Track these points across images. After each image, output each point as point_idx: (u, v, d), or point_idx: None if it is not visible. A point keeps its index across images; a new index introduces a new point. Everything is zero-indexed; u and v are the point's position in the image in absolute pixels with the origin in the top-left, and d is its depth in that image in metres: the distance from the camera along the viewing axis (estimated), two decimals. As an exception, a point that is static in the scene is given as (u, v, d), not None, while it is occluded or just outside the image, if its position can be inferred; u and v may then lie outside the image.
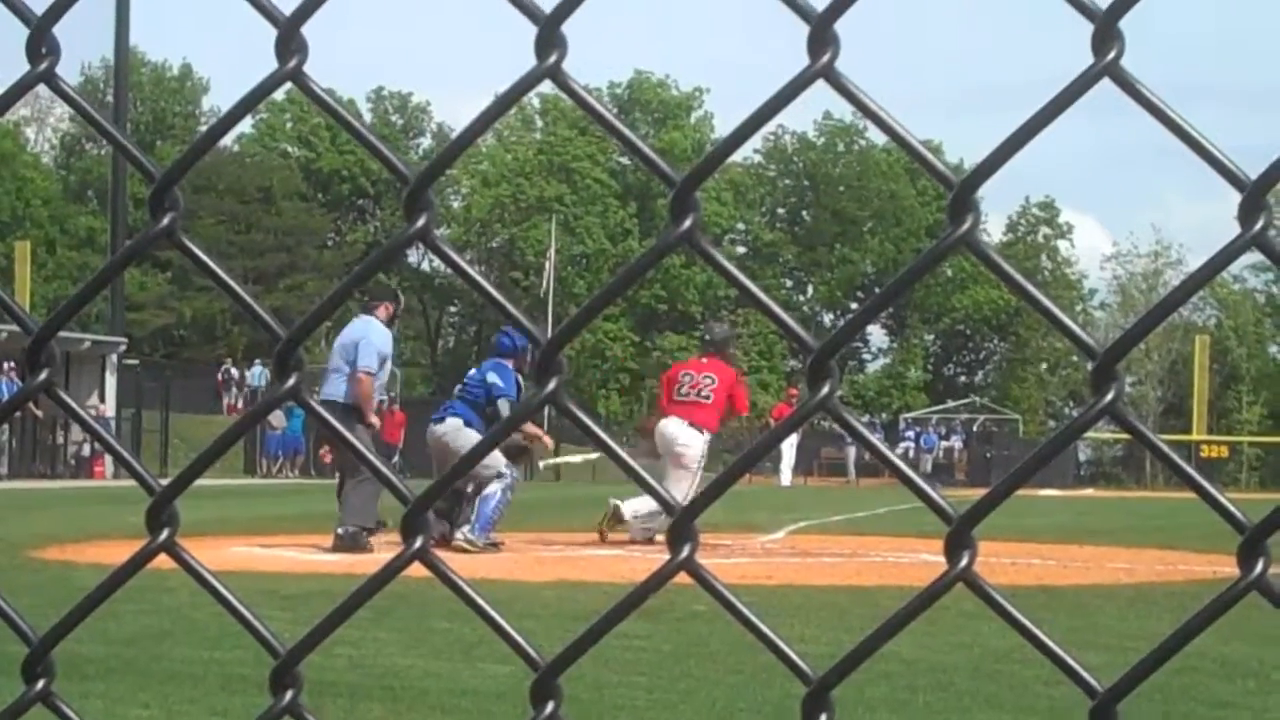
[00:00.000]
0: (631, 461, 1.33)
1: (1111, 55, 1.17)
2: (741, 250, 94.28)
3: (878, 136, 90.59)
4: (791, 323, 1.28)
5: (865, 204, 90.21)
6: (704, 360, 18.55)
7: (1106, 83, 1.18)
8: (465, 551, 15.76)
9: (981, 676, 7.60)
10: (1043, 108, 1.19)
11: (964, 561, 1.24)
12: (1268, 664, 8.06)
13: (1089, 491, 61.18)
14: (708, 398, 18.02)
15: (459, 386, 17.41)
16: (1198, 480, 1.19)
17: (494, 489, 16.51)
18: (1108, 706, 1.20)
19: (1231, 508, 1.18)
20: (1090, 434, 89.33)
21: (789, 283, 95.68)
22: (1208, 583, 14.07)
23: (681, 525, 1.28)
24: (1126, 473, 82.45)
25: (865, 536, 18.35)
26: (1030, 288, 1.23)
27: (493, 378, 16.84)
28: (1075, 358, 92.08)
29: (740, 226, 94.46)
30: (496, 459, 16.34)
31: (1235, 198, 1.16)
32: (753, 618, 1.28)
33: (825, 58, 1.23)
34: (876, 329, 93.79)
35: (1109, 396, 1.19)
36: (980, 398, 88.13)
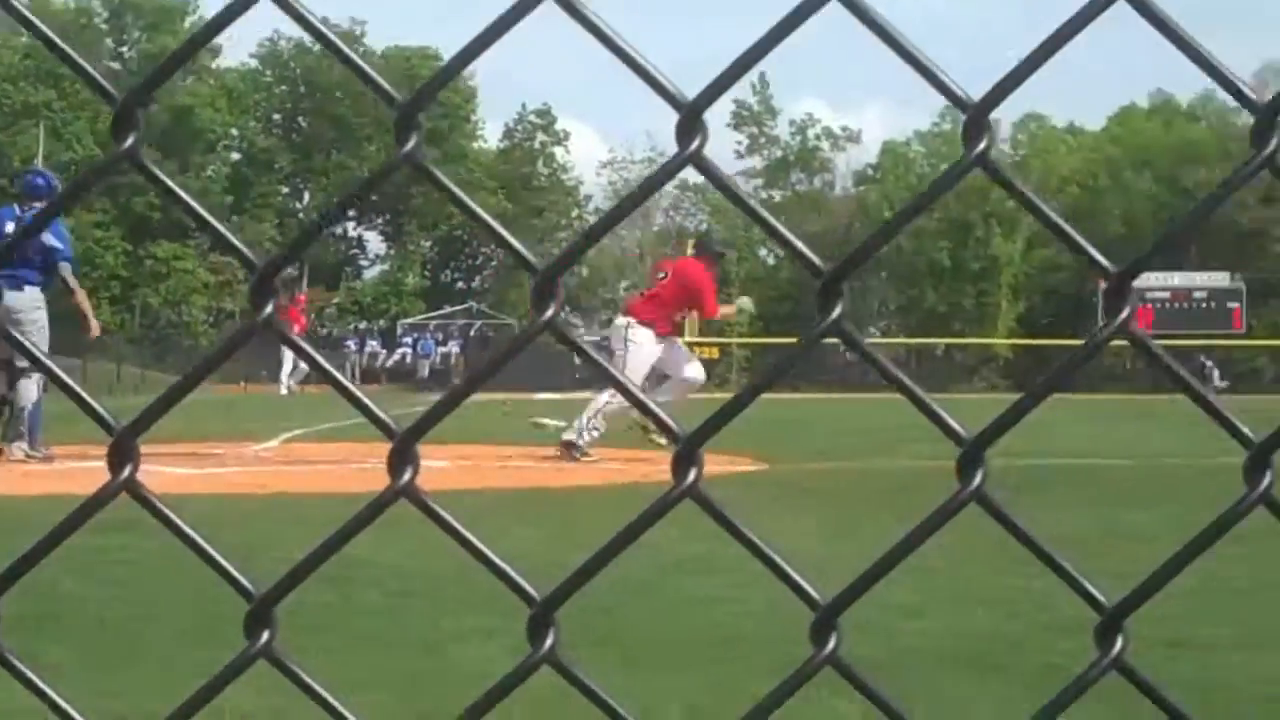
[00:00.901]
0: (53, 376, 1.22)
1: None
2: (236, 157, 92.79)
3: (375, 43, 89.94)
4: (231, 238, 1.20)
5: (363, 111, 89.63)
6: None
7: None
8: (23, 463, 15.54)
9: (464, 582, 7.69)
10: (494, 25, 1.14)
11: (406, 477, 1.18)
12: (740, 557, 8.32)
13: (586, 394, 62.37)
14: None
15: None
16: (627, 385, 1.16)
17: (34, 393, 16.17)
18: (542, 615, 1.18)
19: (660, 410, 1.16)
20: (587, 338, 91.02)
21: (285, 189, 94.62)
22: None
23: (122, 442, 1.19)
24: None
25: (357, 443, 18.26)
26: (469, 211, 1.17)
27: (50, 240, 16.03)
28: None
29: (234, 133, 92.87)
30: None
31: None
32: (192, 533, 1.20)
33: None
34: (374, 235, 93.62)
35: (549, 313, 1.16)
36: (478, 304, 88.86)
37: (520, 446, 18.53)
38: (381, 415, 1.16)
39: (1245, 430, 1.15)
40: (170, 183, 1.21)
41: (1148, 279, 75.62)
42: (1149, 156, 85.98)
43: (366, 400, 1.18)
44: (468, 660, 5.90)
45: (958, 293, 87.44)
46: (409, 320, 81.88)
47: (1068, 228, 1.16)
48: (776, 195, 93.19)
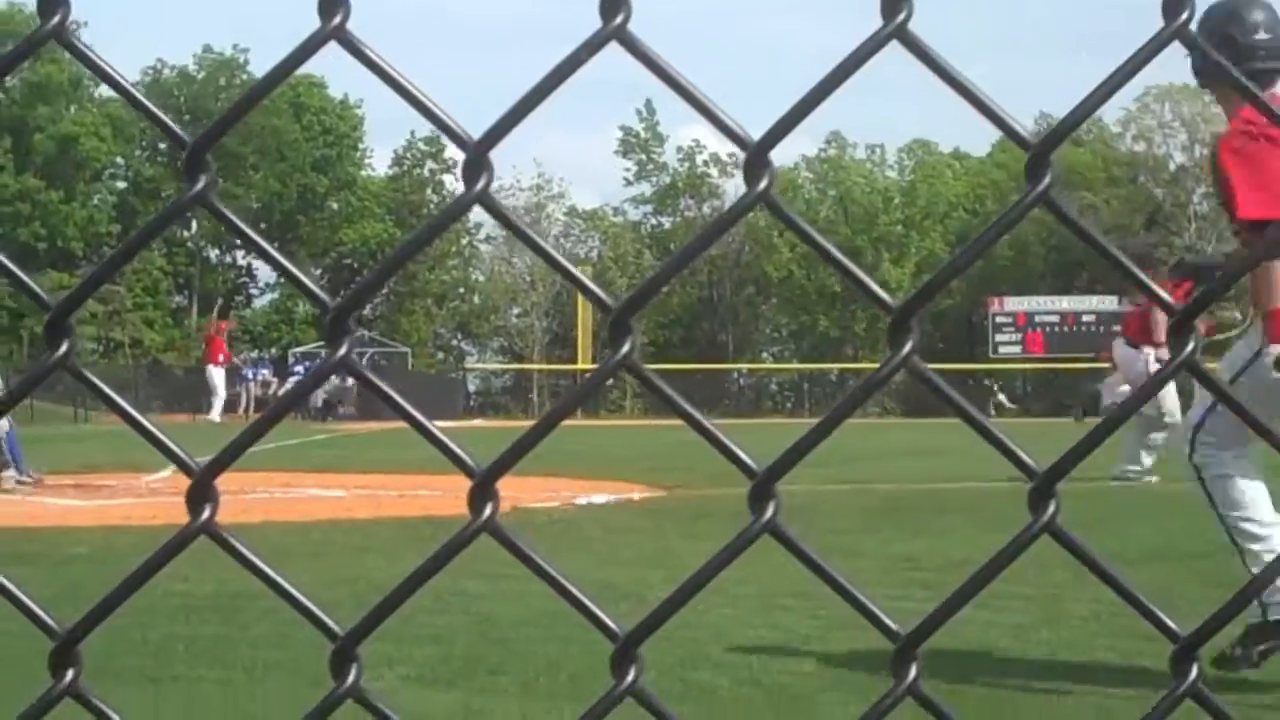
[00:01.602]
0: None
1: None
2: (123, 185, 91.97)
3: (259, 69, 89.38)
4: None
5: (248, 139, 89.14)
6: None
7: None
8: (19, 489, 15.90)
9: (364, 606, 7.62)
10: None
11: (205, 514, 1.19)
12: (644, 584, 8.35)
13: (478, 422, 62.26)
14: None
15: None
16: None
17: (3, 423, 16.69)
18: (344, 650, 1.18)
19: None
20: (478, 365, 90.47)
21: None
22: (588, 507, 14.51)
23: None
24: (514, 402, 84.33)
25: (253, 472, 18.13)
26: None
27: None
28: (462, 290, 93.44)
29: (120, 161, 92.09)
30: None
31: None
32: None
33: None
34: (263, 263, 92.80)
35: (342, 349, 1.17)
36: (370, 331, 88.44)
37: (418, 475, 18.41)
38: (181, 454, 1.17)
39: (1029, 460, 1.17)
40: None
41: (1038, 303, 76.45)
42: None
43: (168, 441, 1.18)
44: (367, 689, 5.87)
45: (849, 317, 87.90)
46: (301, 349, 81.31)
47: (848, 263, 1.18)
48: (666, 222, 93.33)
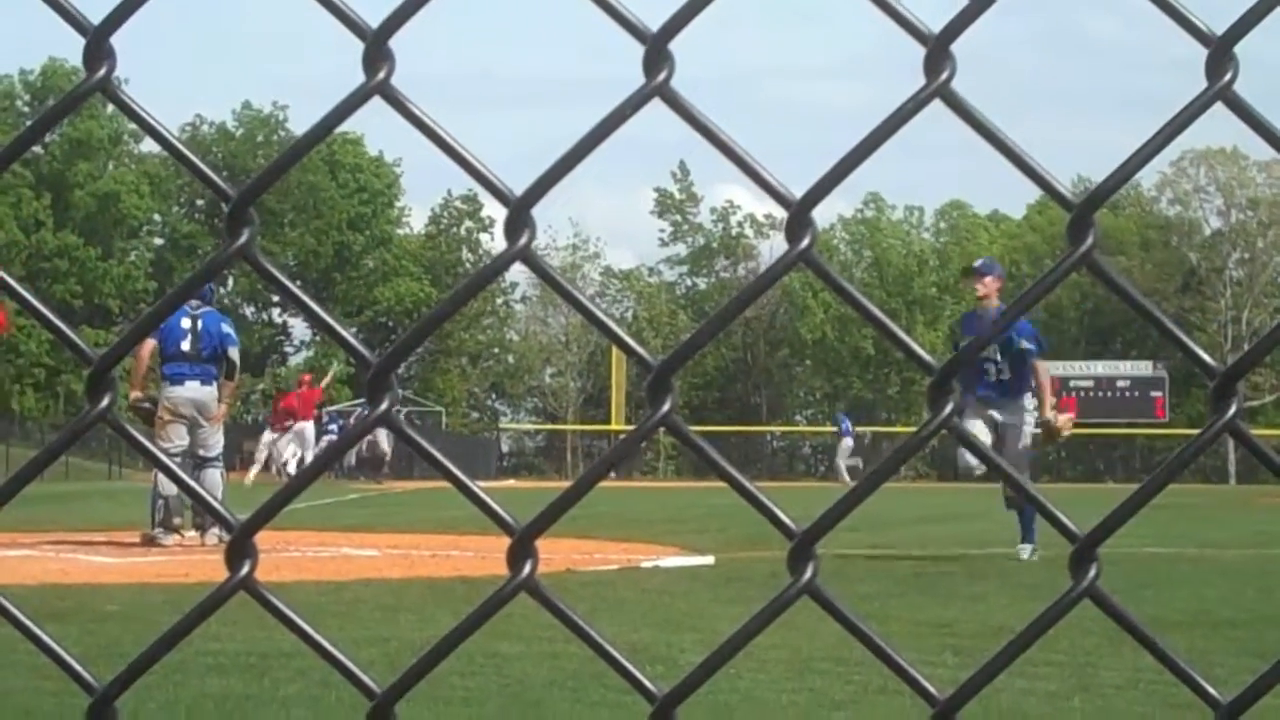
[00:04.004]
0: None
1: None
2: (160, 242, 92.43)
3: (297, 127, 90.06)
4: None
5: (285, 196, 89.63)
6: None
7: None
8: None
9: (396, 665, 7.59)
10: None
11: (244, 570, 1.19)
12: (675, 648, 8.31)
13: (510, 482, 62.31)
14: None
15: (187, 342, 17.40)
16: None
17: (219, 480, 17.45)
18: (381, 710, 1.17)
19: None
20: (512, 425, 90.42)
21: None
22: (621, 569, 14.48)
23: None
24: (548, 462, 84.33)
25: (286, 531, 18.12)
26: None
27: (226, 328, 17.53)
28: (497, 350, 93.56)
29: (157, 218, 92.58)
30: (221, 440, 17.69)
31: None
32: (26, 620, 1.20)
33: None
34: (298, 321, 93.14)
35: (383, 406, 1.17)
36: (403, 390, 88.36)
37: (451, 535, 18.42)
38: (222, 510, 1.17)
39: (1070, 524, 1.16)
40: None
41: (1072, 368, 76.15)
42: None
43: (206, 495, 1.17)
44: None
45: (882, 380, 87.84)
46: (335, 408, 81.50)
47: (890, 323, 1.17)
48: (702, 283, 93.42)
